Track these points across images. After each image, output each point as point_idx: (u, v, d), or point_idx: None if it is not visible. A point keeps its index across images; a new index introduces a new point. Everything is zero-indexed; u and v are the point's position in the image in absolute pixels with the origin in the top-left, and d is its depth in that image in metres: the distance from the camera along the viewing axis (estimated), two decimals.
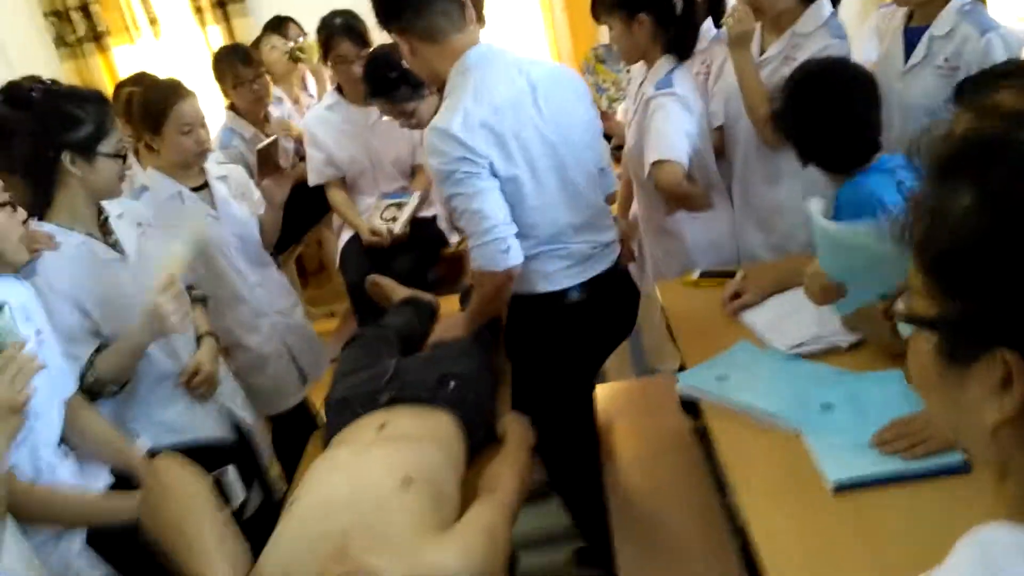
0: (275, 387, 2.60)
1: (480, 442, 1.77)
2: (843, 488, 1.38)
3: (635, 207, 2.62)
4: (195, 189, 2.47)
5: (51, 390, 1.65)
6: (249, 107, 3.40)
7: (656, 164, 2.21)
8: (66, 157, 1.85)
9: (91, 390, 1.87)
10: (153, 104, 2.37)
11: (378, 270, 2.79)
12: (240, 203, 2.57)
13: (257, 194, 2.67)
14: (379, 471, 1.46)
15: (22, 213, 1.62)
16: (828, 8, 2.20)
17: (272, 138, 2.71)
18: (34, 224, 1.79)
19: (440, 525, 1.40)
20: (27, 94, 1.86)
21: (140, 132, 2.43)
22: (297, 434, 2.42)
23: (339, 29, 3.02)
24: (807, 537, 1.31)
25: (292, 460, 2.19)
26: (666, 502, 1.94)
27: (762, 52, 2.29)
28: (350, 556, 1.29)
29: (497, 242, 1.83)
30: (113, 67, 4.94)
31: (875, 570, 1.21)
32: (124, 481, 1.78)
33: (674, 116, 2.21)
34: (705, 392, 1.75)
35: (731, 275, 2.24)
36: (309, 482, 1.50)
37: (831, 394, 1.62)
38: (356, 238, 3.14)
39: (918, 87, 2.10)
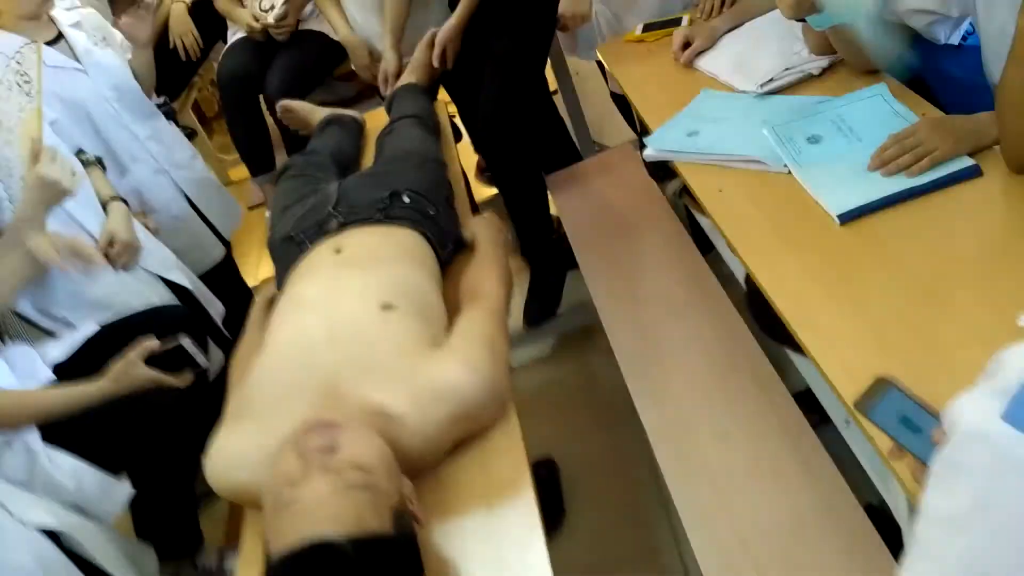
0: (192, 247, 2.37)
1: (450, 255, 1.61)
2: (849, 218, 1.28)
3: None
4: (50, 43, 2.12)
5: None
6: None
7: None
8: None
9: None
10: None
11: (261, 68, 2.52)
12: (104, 49, 2.24)
13: (120, 36, 2.33)
14: (352, 302, 1.31)
15: None
16: None
17: None
18: None
19: (432, 343, 1.27)
20: None
21: None
22: (227, 299, 2.25)
23: None
24: (821, 273, 1.22)
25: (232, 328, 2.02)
26: (652, 272, 1.85)
27: None
28: (344, 395, 1.16)
29: None
30: None
31: (897, 292, 1.13)
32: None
33: None
34: (678, 152, 1.60)
35: (677, 22, 2.05)
36: (277, 328, 1.34)
37: (816, 125, 1.49)
38: (241, 40, 2.83)
39: None
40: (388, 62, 2.41)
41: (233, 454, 1.18)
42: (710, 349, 1.63)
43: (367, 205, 1.55)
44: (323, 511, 0.96)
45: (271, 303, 1.52)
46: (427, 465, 1.19)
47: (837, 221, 1.29)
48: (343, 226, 1.52)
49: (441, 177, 1.76)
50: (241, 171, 3.78)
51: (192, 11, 2.99)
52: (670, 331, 1.73)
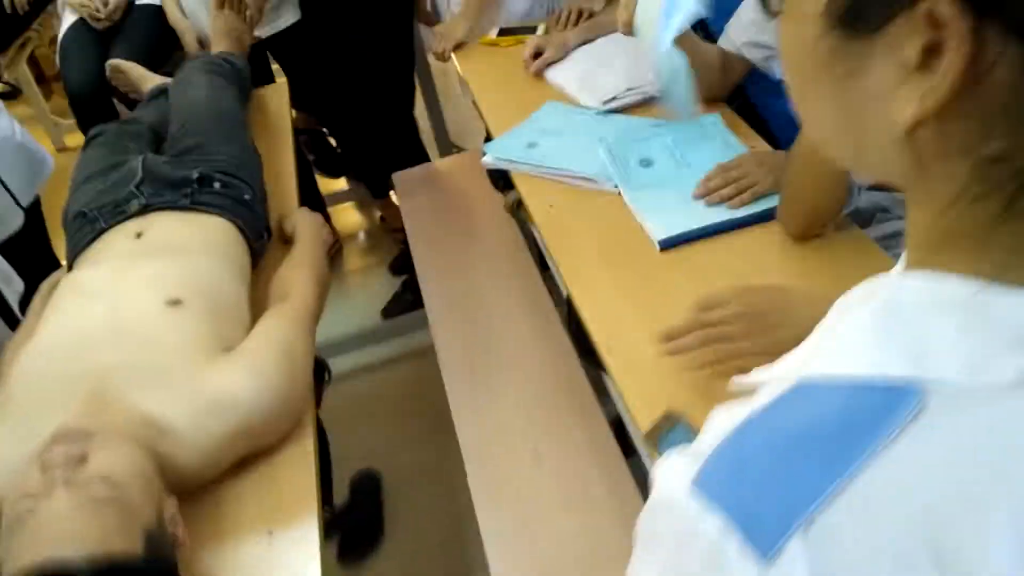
0: None
1: (263, 246, 1.50)
2: (669, 245, 1.27)
3: None
4: None
5: None
6: None
7: None
8: None
9: None
10: None
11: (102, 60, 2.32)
12: None
13: None
14: (140, 293, 1.18)
15: None
16: None
17: None
18: None
19: (223, 346, 1.16)
20: None
21: None
22: (29, 265, 2.05)
23: None
24: (636, 299, 1.20)
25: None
26: (483, 280, 1.80)
27: None
28: (111, 400, 1.04)
29: None
30: None
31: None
32: None
33: None
34: (514, 162, 1.56)
35: (532, 30, 2.02)
36: (51, 317, 1.20)
37: (650, 148, 1.48)
38: (78, 23, 2.58)
39: None
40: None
41: None
42: (536, 368, 1.59)
43: (173, 187, 1.41)
44: (62, 528, 0.85)
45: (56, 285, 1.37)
46: (204, 481, 1.09)
47: (657, 247, 1.27)
48: (146, 208, 1.38)
49: (251, 147, 1.64)
50: (78, 137, 3.50)
51: None
52: (498, 346, 1.68)
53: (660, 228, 1.29)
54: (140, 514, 0.91)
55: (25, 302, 1.92)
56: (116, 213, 1.38)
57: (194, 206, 1.39)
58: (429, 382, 1.70)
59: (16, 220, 2.21)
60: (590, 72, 1.74)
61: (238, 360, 1.12)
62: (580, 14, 1.98)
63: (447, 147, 2.93)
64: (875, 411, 0.35)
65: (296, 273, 1.37)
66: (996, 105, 0.33)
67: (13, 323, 1.83)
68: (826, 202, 1.17)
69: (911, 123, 0.35)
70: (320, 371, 1.49)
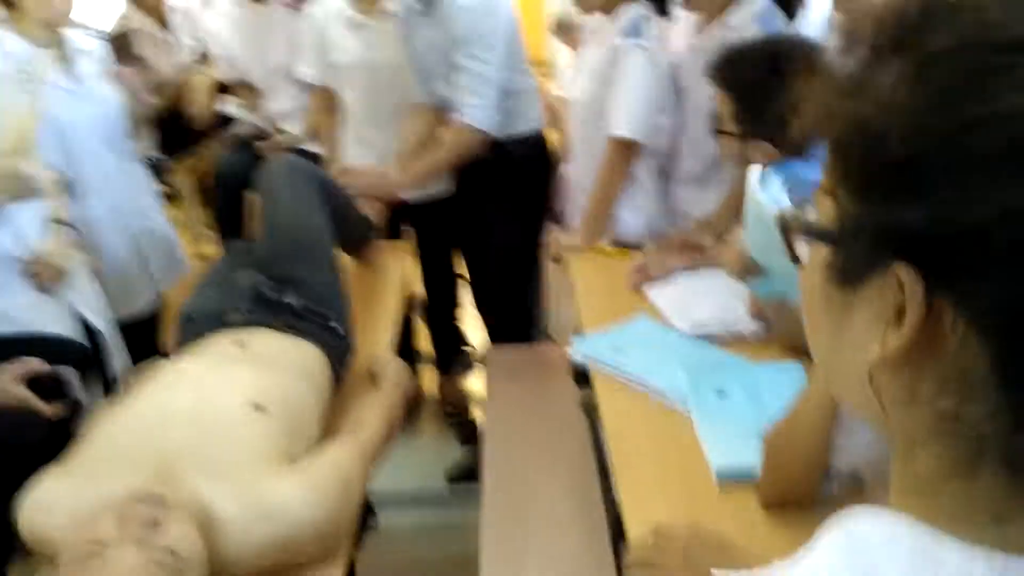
0: (122, 288, 2.36)
1: (346, 370, 1.62)
2: (726, 477, 1.30)
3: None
4: (58, 56, 2.20)
5: None
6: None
7: (618, 139, 2.10)
8: None
9: None
10: None
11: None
12: (104, 81, 2.32)
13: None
14: (230, 389, 1.29)
15: None
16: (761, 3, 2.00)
17: (129, 29, 2.45)
18: None
19: (289, 458, 1.24)
20: None
21: None
22: (139, 350, 2.22)
23: None
24: (680, 517, 1.22)
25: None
26: (542, 475, 1.83)
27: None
28: (177, 478, 1.12)
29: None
30: None
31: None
32: None
33: (640, 77, 2.07)
34: (599, 361, 1.64)
35: (640, 248, 2.16)
36: (143, 388, 1.31)
37: (727, 380, 1.54)
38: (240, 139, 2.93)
39: None
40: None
41: (45, 499, 1.14)
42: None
43: (272, 311, 1.56)
44: None
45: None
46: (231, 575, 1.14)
47: (715, 477, 1.30)
48: (247, 323, 1.52)
49: (339, 280, 1.77)
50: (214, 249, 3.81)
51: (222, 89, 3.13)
52: (539, 547, 1.68)
53: (721, 458, 1.33)
54: None
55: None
56: (218, 322, 1.52)
57: (289, 329, 1.52)
58: (469, 560, 1.70)
59: (146, 305, 2.42)
60: (686, 298, 1.84)
61: (300, 475, 1.19)
62: (686, 244, 2.11)
63: (543, 337, 3.04)
64: None
65: (371, 413, 1.46)
66: (949, 368, 0.39)
67: (111, 391, 1.97)
68: (801, 473, 1.19)
69: (874, 363, 0.42)
70: (366, 513, 1.54)
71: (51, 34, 2.18)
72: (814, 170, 1.43)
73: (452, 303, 2.88)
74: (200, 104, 3.06)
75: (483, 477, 1.89)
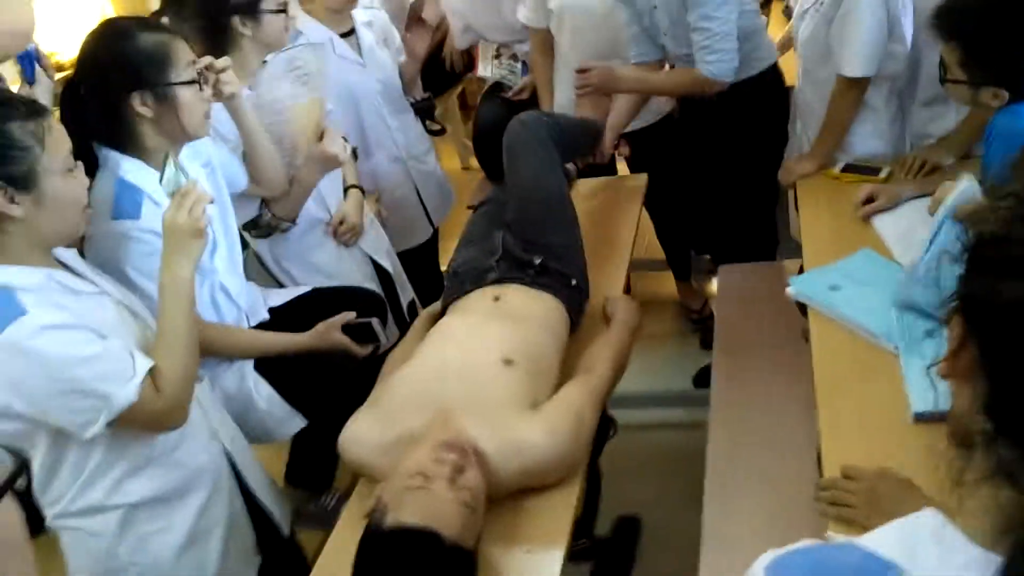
0: (405, 226, 2.80)
1: (582, 316, 1.89)
2: (923, 418, 1.40)
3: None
4: (343, 35, 2.58)
5: (223, 215, 1.91)
6: None
7: (847, 80, 2.11)
8: (236, 20, 2.02)
9: (268, 227, 2.17)
10: None
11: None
12: (383, 49, 2.68)
13: (399, 40, 2.76)
14: (487, 348, 1.60)
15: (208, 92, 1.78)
16: None
17: None
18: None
19: (534, 402, 1.54)
20: None
21: None
22: (424, 268, 2.66)
23: None
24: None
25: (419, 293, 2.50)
26: (768, 389, 2.00)
27: None
28: (453, 422, 1.47)
29: None
30: None
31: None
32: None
33: (868, 14, 2.02)
34: (815, 300, 1.76)
35: (876, 171, 2.15)
36: (425, 348, 1.67)
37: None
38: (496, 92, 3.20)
39: None
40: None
41: (358, 433, 1.53)
42: (783, 484, 1.77)
43: (521, 268, 1.84)
44: (443, 510, 1.27)
45: (434, 318, 1.86)
46: (496, 498, 1.48)
47: (912, 417, 1.41)
48: (500, 280, 1.82)
49: (578, 237, 1.99)
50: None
51: None
52: (759, 452, 1.88)
53: (920, 401, 1.43)
54: (478, 525, 1.33)
55: (411, 310, 2.50)
56: (479, 279, 1.84)
57: (535, 285, 1.80)
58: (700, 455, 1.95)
59: (424, 235, 2.86)
60: (913, 229, 1.85)
61: (541, 419, 1.49)
62: (924, 164, 2.08)
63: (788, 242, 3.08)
64: (873, 571, 0.66)
65: (603, 352, 1.72)
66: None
67: (400, 322, 2.41)
68: None
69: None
70: (606, 426, 1.83)
71: (340, 16, 2.56)
72: None
73: (682, 215, 2.99)
74: (455, 51, 3.37)
75: (713, 387, 2.10)
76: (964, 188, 1.50)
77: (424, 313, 1.95)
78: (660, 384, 2.87)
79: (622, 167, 3.12)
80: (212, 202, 1.56)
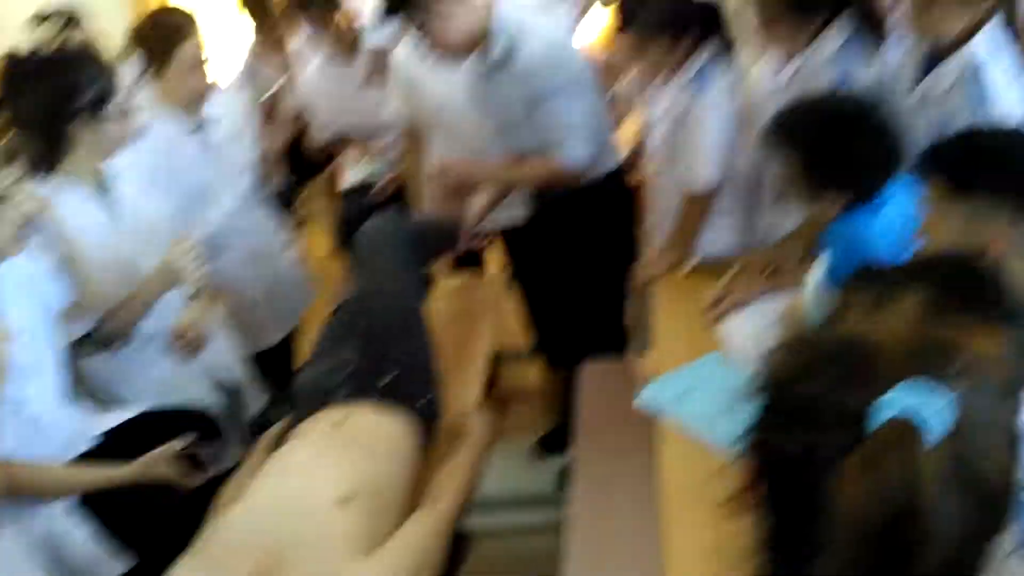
0: (257, 328, 2.66)
1: (435, 430, 1.81)
2: None
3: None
4: (193, 129, 2.47)
5: (40, 338, 1.76)
6: (271, 52, 3.37)
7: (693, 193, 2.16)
8: (76, 121, 1.90)
9: (102, 341, 1.99)
10: (163, 38, 2.33)
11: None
12: (235, 143, 2.58)
13: (252, 134, 2.67)
14: (323, 484, 1.50)
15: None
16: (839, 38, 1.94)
17: (275, 87, 2.66)
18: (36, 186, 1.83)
19: (373, 542, 1.43)
20: (31, 65, 1.91)
21: (150, 62, 2.39)
22: (278, 370, 2.51)
23: None
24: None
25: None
26: (621, 492, 1.96)
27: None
28: (276, 567, 1.34)
29: None
30: None
31: None
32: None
33: (714, 129, 2.10)
34: (663, 411, 1.74)
35: (726, 269, 2.17)
36: (259, 481, 1.54)
37: None
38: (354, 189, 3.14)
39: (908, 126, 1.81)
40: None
41: None
42: None
43: (371, 384, 1.75)
44: None
45: (274, 443, 1.74)
46: None
47: None
48: (348, 398, 1.72)
49: (430, 351, 1.91)
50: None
51: None
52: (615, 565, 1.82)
53: None
54: None
55: (264, 415, 2.36)
56: (324, 398, 1.74)
57: (384, 404, 1.71)
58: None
59: (276, 337, 2.72)
60: (760, 333, 1.87)
61: (376, 563, 1.39)
62: (773, 262, 2.12)
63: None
64: None
65: (450, 480, 1.63)
66: None
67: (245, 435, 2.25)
68: None
69: None
70: (460, 546, 1.73)
71: (189, 110, 2.44)
72: (878, 223, 1.48)
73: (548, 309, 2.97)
74: (313, 143, 3.30)
75: (571, 496, 2.04)
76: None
77: (264, 439, 1.81)
78: (524, 484, 2.80)
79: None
80: None
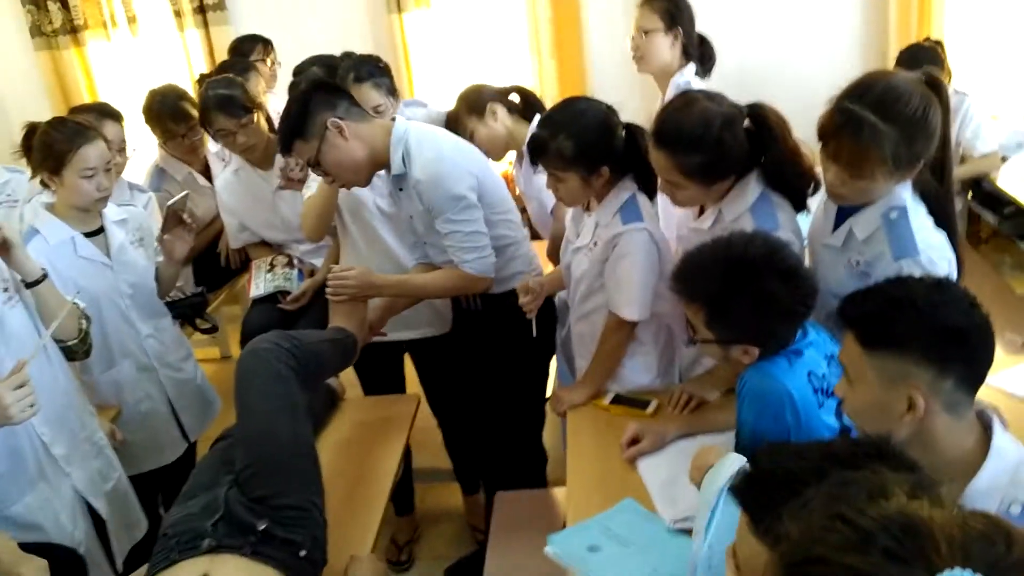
0: (153, 443, 2.49)
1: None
2: None
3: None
4: (90, 234, 2.34)
5: None
6: (184, 156, 3.31)
7: (618, 318, 2.09)
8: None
9: None
10: (56, 144, 2.24)
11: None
12: (137, 249, 2.45)
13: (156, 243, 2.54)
14: None
15: None
16: (755, 191, 1.91)
17: (183, 194, 2.55)
18: None
19: None
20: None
21: (38, 171, 2.30)
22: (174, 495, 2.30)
23: (213, 104, 2.82)
24: None
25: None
26: None
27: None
28: None
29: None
30: (87, 62, 4.82)
31: None
32: None
33: (642, 259, 2.04)
34: (572, 563, 1.60)
35: (644, 404, 2.09)
36: None
37: None
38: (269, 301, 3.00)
39: (831, 271, 1.81)
40: None
41: None
42: None
43: (243, 532, 1.57)
44: None
45: None
46: None
47: None
48: (214, 549, 1.54)
49: (316, 493, 1.73)
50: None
51: None
52: None
53: None
54: None
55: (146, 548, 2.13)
56: (190, 546, 1.55)
57: (254, 556, 1.54)
58: None
59: (175, 453, 2.54)
60: (674, 479, 1.76)
61: None
62: (691, 399, 2.04)
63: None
64: None
65: None
66: None
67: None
68: None
69: None
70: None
71: (85, 215, 2.31)
72: (794, 372, 1.40)
73: (468, 426, 2.83)
74: (228, 246, 3.18)
75: None
76: (732, 465, 1.41)
77: None
78: None
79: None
80: None
